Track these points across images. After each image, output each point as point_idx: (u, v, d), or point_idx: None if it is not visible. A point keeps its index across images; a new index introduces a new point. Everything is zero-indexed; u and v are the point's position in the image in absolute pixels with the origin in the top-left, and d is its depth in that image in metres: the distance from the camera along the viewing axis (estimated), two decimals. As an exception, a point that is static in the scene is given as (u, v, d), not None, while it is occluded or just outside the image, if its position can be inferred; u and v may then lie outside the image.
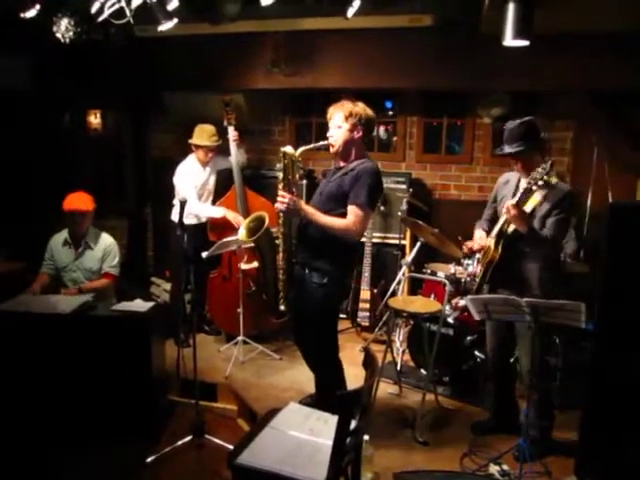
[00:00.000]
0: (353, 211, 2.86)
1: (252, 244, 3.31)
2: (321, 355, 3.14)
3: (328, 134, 2.99)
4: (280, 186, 2.93)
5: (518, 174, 3.09)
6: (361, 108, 2.95)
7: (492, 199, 3.29)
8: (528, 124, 2.97)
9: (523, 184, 3.00)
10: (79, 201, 3.92)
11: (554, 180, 2.86)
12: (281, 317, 3.17)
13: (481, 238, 3.19)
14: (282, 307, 3.07)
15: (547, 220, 2.90)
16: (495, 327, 3.17)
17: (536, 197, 2.89)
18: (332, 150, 3.01)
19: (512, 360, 3.38)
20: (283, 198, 2.85)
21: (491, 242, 3.05)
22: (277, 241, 3.05)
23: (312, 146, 3.09)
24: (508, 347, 3.24)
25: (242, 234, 3.22)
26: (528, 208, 2.90)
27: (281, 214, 2.97)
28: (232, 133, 4.33)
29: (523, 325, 2.88)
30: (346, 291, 3.25)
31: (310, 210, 2.90)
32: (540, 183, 2.72)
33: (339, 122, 2.94)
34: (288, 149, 2.94)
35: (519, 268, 2.99)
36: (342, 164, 3.04)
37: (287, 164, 2.93)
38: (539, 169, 2.73)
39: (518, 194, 2.86)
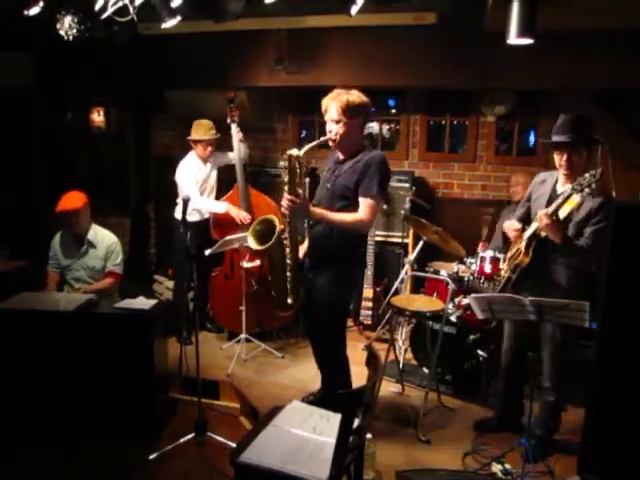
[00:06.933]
0: (366, 203, 2.85)
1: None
2: (328, 351, 3.16)
3: (327, 128, 2.96)
4: (286, 188, 2.88)
5: (555, 175, 2.96)
6: (356, 96, 2.90)
7: (526, 198, 3.16)
8: (584, 118, 2.82)
9: (560, 187, 2.90)
10: (69, 201, 3.89)
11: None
12: (289, 310, 3.17)
13: (514, 224, 3.04)
14: (289, 300, 3.08)
15: (585, 229, 2.76)
16: (516, 328, 3.12)
17: (574, 199, 2.71)
18: (333, 144, 2.99)
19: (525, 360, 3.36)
20: (290, 201, 2.83)
21: (522, 245, 2.93)
22: (284, 239, 3.03)
23: (315, 143, 3.03)
24: (525, 348, 3.19)
25: (251, 242, 3.13)
26: (565, 212, 2.75)
27: (288, 217, 2.95)
28: (236, 132, 4.33)
29: (548, 327, 2.86)
30: (355, 287, 3.23)
31: (318, 211, 2.89)
32: (587, 190, 2.57)
33: (336, 116, 2.89)
34: (294, 151, 2.90)
35: (549, 274, 2.89)
36: (343, 156, 3.03)
37: (293, 166, 2.89)
38: (587, 175, 2.57)
39: (554, 204, 2.72)
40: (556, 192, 2.92)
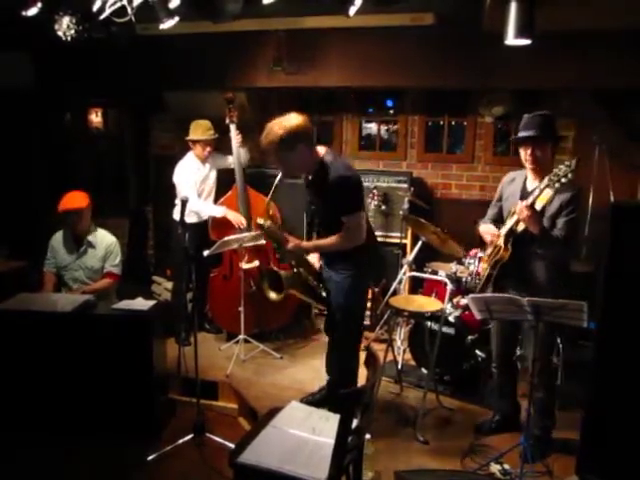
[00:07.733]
0: (347, 224, 2.93)
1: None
2: (342, 350, 3.24)
3: (278, 168, 3.11)
4: (275, 245, 3.20)
5: (524, 173, 3.03)
6: (286, 128, 2.76)
7: (496, 198, 3.22)
8: (546, 116, 2.92)
9: (530, 184, 2.95)
10: (72, 200, 3.90)
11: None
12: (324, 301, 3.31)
13: (490, 228, 3.09)
14: (324, 293, 3.23)
15: (557, 220, 2.83)
16: (500, 326, 3.15)
17: (546, 194, 2.78)
18: (292, 176, 3.25)
19: (514, 358, 3.38)
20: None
21: (500, 241, 2.97)
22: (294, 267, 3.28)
23: (274, 188, 3.18)
24: (512, 345, 3.22)
25: (273, 296, 3.63)
26: (538, 206, 2.81)
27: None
28: (235, 135, 4.32)
29: (528, 324, 2.86)
30: (366, 292, 3.33)
31: (311, 245, 3.17)
32: (563, 181, 2.62)
33: (276, 154, 2.84)
34: (262, 222, 3.14)
35: (529, 269, 2.92)
36: (309, 177, 3.07)
37: (268, 233, 3.18)
38: (562, 166, 2.63)
39: (532, 196, 2.77)
40: (526, 189, 2.97)
